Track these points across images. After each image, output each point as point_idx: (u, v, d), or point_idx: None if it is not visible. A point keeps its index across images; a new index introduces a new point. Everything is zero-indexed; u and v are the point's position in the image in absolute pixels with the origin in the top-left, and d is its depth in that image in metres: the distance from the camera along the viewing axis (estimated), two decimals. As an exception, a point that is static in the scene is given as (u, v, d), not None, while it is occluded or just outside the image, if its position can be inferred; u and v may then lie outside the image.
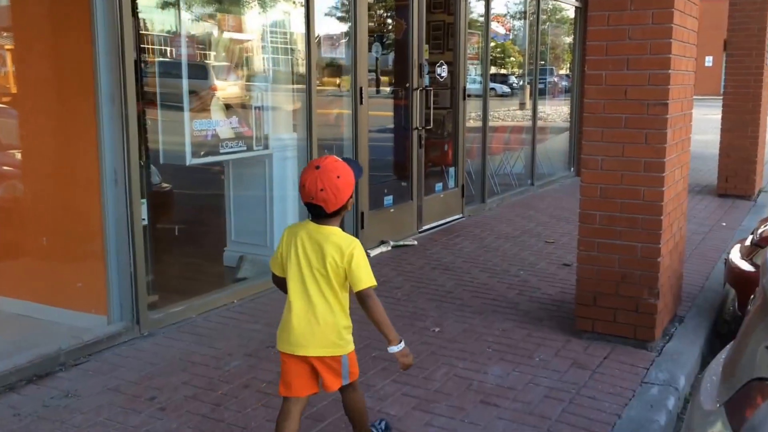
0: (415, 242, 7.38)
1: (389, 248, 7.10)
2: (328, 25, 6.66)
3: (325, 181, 2.82)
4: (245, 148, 5.55)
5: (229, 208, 6.18)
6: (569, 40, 13.23)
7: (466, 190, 8.82)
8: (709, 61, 46.35)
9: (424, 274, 6.28)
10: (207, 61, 5.38)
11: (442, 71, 8.22)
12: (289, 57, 6.19)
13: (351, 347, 3.02)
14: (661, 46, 4.39)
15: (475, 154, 9.52)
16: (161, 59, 5.01)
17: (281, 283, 3.05)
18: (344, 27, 6.66)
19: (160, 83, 5.04)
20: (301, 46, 6.04)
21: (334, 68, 6.98)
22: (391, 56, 8.34)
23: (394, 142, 7.98)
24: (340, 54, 6.85)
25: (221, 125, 5.31)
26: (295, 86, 6.17)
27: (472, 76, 9.14)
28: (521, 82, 12.29)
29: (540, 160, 11.27)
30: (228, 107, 5.41)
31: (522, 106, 13.22)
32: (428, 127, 7.78)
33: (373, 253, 6.89)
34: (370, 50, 6.95)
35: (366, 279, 2.90)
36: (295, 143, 6.13)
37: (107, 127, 4.46)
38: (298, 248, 2.91)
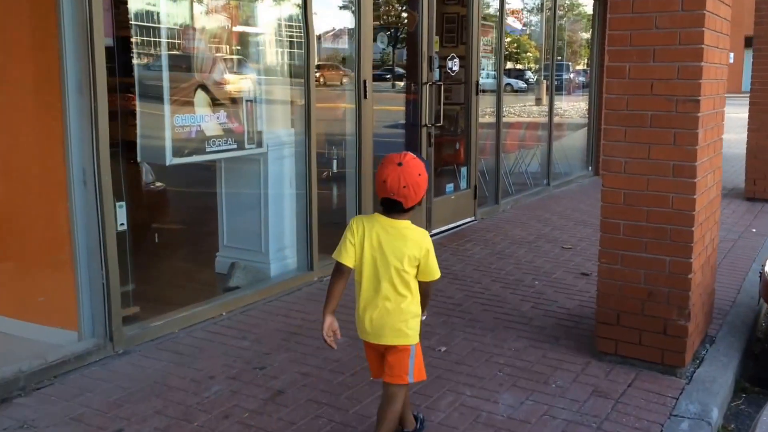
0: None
1: (394, 254, 6.63)
2: (329, 12, 6.19)
3: (408, 178, 2.89)
4: (235, 146, 5.11)
5: (222, 210, 5.74)
6: (586, 36, 12.72)
7: (479, 190, 8.34)
8: (731, 57, 45.54)
9: (431, 284, 5.81)
10: (192, 50, 4.93)
11: (454, 65, 7.74)
12: (286, 46, 5.74)
13: (418, 338, 3.08)
14: (692, 36, 3.90)
15: (488, 152, 9.03)
16: (139, 46, 4.56)
17: (343, 275, 3.04)
18: (347, 15, 6.19)
19: (138, 73, 4.60)
20: (298, 34, 5.58)
21: (335, 59, 6.52)
22: (402, 50, 7.85)
23: (402, 139, 7.51)
24: (343, 44, 6.39)
25: (207, 121, 4.86)
26: (293, 78, 5.72)
27: (486, 71, 8.66)
28: (537, 78, 11.85)
29: (556, 159, 10.76)
30: (215, 101, 4.96)
31: (538, 102, 12.88)
32: (438, 124, 7.30)
33: (377, 259, 6.43)
34: (375, 41, 6.47)
35: (435, 272, 3.04)
36: (293, 140, 5.68)
37: (74, 121, 4.03)
38: (372, 241, 2.96)
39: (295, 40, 5.66)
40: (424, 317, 3.14)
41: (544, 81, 13.90)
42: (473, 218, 8.19)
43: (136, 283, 4.97)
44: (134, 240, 5.46)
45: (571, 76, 12.83)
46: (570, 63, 12.55)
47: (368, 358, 3.18)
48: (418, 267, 2.98)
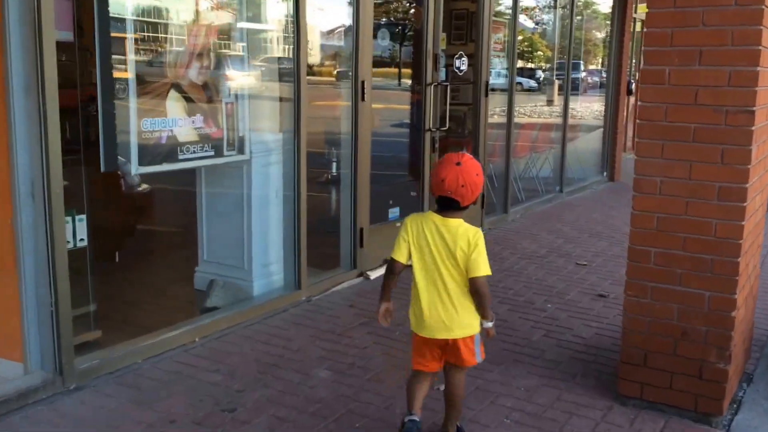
0: (425, 262, 6.33)
1: (393, 269, 6.06)
2: (325, 5, 5.60)
3: (466, 178, 2.97)
4: (213, 153, 4.54)
5: (202, 221, 5.18)
6: (600, 35, 12.14)
7: (487, 198, 7.75)
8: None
9: (432, 306, 5.23)
10: (165, 45, 4.36)
11: (461, 64, 7.15)
12: (274, 42, 5.17)
13: (479, 326, 3.14)
14: (748, 35, 3.31)
15: (497, 156, 8.45)
16: (100, 40, 3.99)
17: (395, 272, 3.17)
18: (344, 8, 5.61)
19: (101, 71, 4.03)
20: (289, 28, 5.01)
21: (330, 57, 5.96)
22: (406, 48, 7.26)
23: (403, 145, 6.93)
24: (339, 41, 5.82)
25: (180, 125, 4.29)
26: (282, 78, 5.14)
27: (497, 70, 8.07)
28: (550, 77, 11.29)
29: (569, 164, 10.16)
30: (190, 102, 4.38)
31: (550, 102, 12.38)
32: (444, 128, 6.71)
33: (374, 274, 5.85)
34: (375, 37, 5.89)
35: (483, 268, 3.03)
36: (280, 146, 5.11)
37: (21, 125, 3.47)
38: (428, 239, 3.06)
39: (285, 35, 5.08)
40: (489, 324, 3.16)
41: (557, 81, 13.40)
42: (480, 228, 7.60)
43: (101, 303, 4.42)
44: (103, 253, 4.93)
45: (583, 75, 12.31)
46: (580, 62, 11.99)
47: (422, 353, 3.19)
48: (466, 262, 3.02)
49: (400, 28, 7.01)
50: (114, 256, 5.08)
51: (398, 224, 6.39)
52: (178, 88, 4.34)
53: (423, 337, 3.15)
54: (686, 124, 3.48)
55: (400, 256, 3.13)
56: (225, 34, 4.77)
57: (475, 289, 3.06)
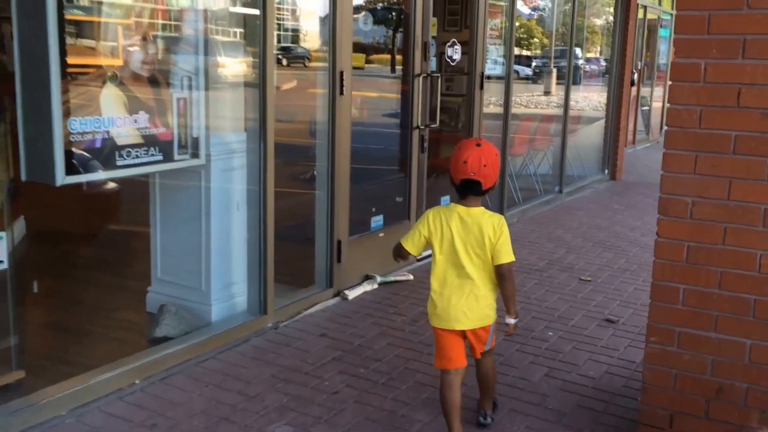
0: (411, 276, 5.66)
1: (375, 286, 5.39)
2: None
3: (488, 158, 3.01)
4: (161, 158, 3.85)
5: (155, 234, 4.49)
6: (600, 21, 11.45)
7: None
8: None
9: (417, 335, 4.55)
10: (99, 28, 3.66)
11: (454, 53, 6.45)
12: (234, 24, 4.48)
13: (494, 317, 3.17)
14: (808, 23, 2.64)
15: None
16: (21, 19, 3.30)
17: (401, 258, 3.25)
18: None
19: (20, 57, 3.35)
20: (252, 9, 4.32)
21: (303, 43, 5.26)
22: (393, 35, 6.57)
23: (389, 144, 6.26)
24: (313, 24, 5.12)
25: (119, 124, 3.60)
26: (247, 67, 4.45)
27: (493, 58, 7.36)
28: (547, 65, 10.63)
29: (569, 160, 9.47)
30: (132, 97, 3.70)
31: (547, 93, 11.79)
32: (433, 125, 6.03)
33: (353, 294, 5.18)
34: (357, 22, 5.20)
35: (507, 254, 3.04)
36: (244, 148, 4.42)
37: None
38: (452, 231, 3.04)
39: (249, 15, 4.39)
40: (512, 321, 3.17)
41: (554, 70, 12.80)
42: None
43: (28, 336, 3.75)
44: (33, 274, 4.26)
45: (580, 62, 11.72)
46: (577, 48, 11.36)
47: (448, 347, 3.15)
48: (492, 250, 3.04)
49: (385, 12, 6.31)
50: (46, 276, 4.40)
51: (381, 234, 5.76)
52: (116, 80, 3.65)
53: (443, 330, 3.14)
54: (726, 132, 2.82)
55: (412, 248, 3.16)
56: (176, 15, 4.07)
57: (501, 274, 3.07)
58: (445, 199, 6.59)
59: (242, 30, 4.50)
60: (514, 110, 7.91)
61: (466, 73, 6.70)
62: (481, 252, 3.04)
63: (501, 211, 7.60)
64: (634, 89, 11.84)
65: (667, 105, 2.99)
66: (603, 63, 12.65)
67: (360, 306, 5.00)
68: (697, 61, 2.81)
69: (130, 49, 3.73)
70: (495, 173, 3.07)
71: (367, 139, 5.95)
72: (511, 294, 3.12)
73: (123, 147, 3.64)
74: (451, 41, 6.39)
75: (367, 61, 5.96)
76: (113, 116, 3.59)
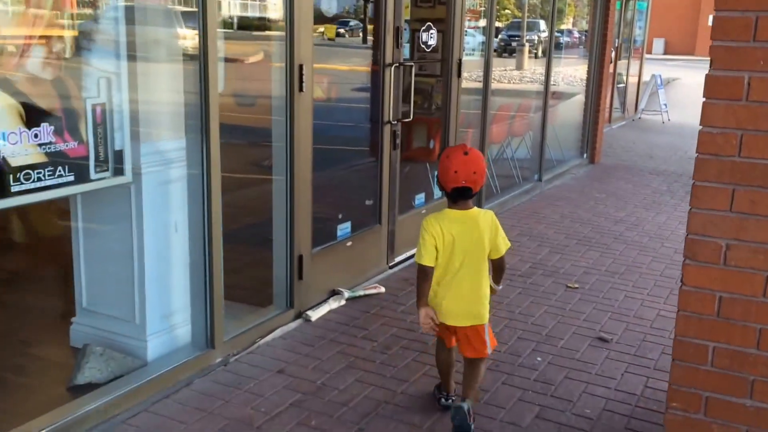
0: (383, 289, 5.10)
1: (343, 302, 4.82)
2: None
3: (477, 165, 3.14)
4: (72, 179, 3.21)
5: (79, 259, 3.86)
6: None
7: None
8: (711, 20, 43.73)
9: (390, 366, 4.00)
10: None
11: (429, 38, 5.84)
12: (163, 8, 3.83)
13: (488, 316, 3.31)
14: None
15: (470, 143, 7.22)
16: None
17: (428, 277, 3.21)
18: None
19: None
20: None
21: (254, 28, 4.62)
22: (364, 19, 5.95)
23: (357, 143, 5.66)
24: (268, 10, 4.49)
25: (12, 141, 2.95)
26: (183, 59, 3.81)
27: (471, 33, 6.76)
28: (519, 39, 10.18)
29: (547, 144, 8.91)
30: (32, 108, 3.05)
31: (519, 68, 11.38)
32: (407, 120, 5.44)
33: (317, 314, 4.61)
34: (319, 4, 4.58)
35: (504, 244, 3.28)
36: (183, 158, 3.80)
37: None
38: (453, 236, 3.14)
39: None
40: (500, 287, 3.40)
41: (527, 44, 12.32)
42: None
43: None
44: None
45: (543, 35, 11.32)
46: (539, 21, 10.97)
47: (444, 335, 3.38)
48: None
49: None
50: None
51: (349, 243, 5.19)
52: (9, 86, 3.00)
53: (447, 324, 3.30)
54: (772, 164, 2.27)
55: (431, 261, 3.18)
56: (90, 2, 3.42)
57: (499, 265, 3.32)
58: (420, 197, 6.03)
59: (176, 17, 3.84)
60: (494, 95, 7.34)
61: (441, 60, 6.10)
62: (480, 252, 3.18)
63: (479, 205, 7.04)
64: (611, 66, 11.33)
65: (700, 128, 2.40)
66: (577, 35, 12.15)
67: (325, 329, 4.44)
68: (739, 75, 2.26)
69: (26, 46, 3.07)
70: (483, 177, 3.18)
71: (332, 136, 5.35)
72: (502, 275, 3.41)
73: (19, 169, 2.99)
74: (426, 25, 5.77)
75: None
76: (4, 131, 2.93)
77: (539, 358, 4.17)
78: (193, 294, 3.92)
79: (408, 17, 5.44)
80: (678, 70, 28.20)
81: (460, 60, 6.06)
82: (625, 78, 15.10)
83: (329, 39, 7.07)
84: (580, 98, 10.26)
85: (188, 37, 3.76)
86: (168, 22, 3.77)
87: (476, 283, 3.23)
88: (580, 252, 6.19)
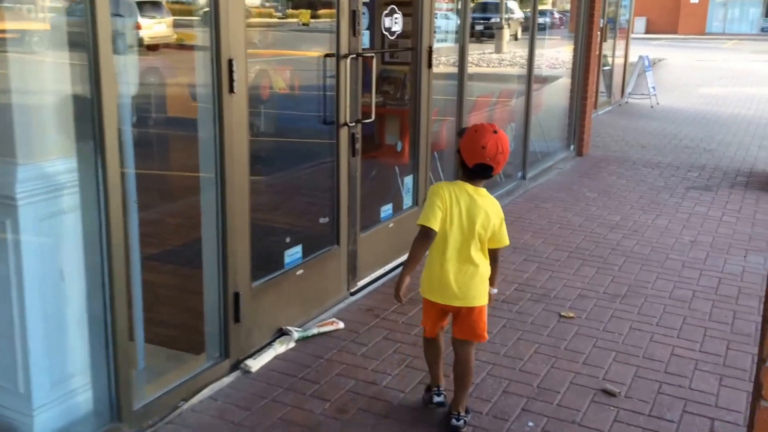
0: (341, 324, 4.29)
1: (292, 345, 4.01)
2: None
3: (504, 145, 3.04)
4: None
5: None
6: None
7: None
8: (696, -3, 43.10)
9: (344, 439, 3.20)
10: None
11: (394, 23, 4.99)
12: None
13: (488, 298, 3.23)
14: None
15: (444, 141, 6.41)
16: None
17: (429, 240, 3.06)
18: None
19: None
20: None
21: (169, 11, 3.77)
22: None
23: (308, 148, 4.82)
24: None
25: None
26: (69, 53, 2.94)
27: (444, 15, 5.92)
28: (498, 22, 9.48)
29: (531, 136, 8.10)
30: None
31: (498, 50, 10.72)
32: (368, 121, 4.60)
33: (259, 363, 3.79)
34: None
35: (506, 238, 3.21)
36: (75, 180, 2.95)
37: None
38: (461, 207, 3.06)
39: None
40: (495, 291, 3.33)
41: (507, 25, 11.73)
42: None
43: None
44: None
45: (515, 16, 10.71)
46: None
47: (431, 317, 3.30)
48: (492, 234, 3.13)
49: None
50: None
51: (300, 272, 4.36)
52: None
53: (434, 302, 3.21)
54: None
55: (436, 224, 3.03)
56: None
57: (495, 257, 3.25)
58: (387, 208, 5.20)
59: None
60: (472, 82, 6.51)
61: (410, 49, 5.25)
62: (484, 233, 3.09)
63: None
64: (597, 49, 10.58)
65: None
66: (557, 15, 11.39)
67: (267, 384, 3.62)
68: None
69: None
70: (505, 161, 3.10)
71: (275, 144, 4.51)
72: (497, 272, 3.30)
73: None
74: (389, 8, 4.90)
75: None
76: None
77: (531, 423, 3.38)
78: (93, 353, 3.09)
79: (368, -1, 4.58)
80: (662, 50, 27.47)
81: (430, 48, 5.21)
82: (610, 60, 14.31)
83: (304, 24, 6.23)
84: (564, 82, 9.46)
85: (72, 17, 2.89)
86: None
87: (482, 262, 3.14)
88: (573, 268, 5.39)
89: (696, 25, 42.46)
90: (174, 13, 6.31)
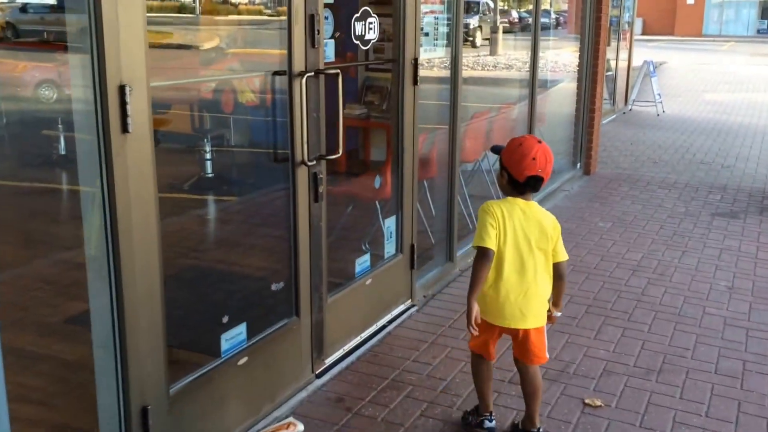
0: (300, 426, 3.25)
1: (229, 465, 2.96)
2: None
3: (550, 154, 2.99)
4: None
5: None
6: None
7: (421, 236, 4.72)
8: (692, -1, 42.23)
9: None
10: None
11: (367, 29, 3.93)
12: None
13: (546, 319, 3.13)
14: None
15: (434, 168, 5.38)
16: None
17: (489, 260, 2.93)
18: None
19: None
20: None
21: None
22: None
23: (252, 198, 3.80)
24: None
25: None
26: None
27: (434, 29, 4.89)
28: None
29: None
30: None
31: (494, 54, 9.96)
32: (333, 157, 3.55)
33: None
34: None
35: (564, 252, 3.09)
36: None
37: None
38: (515, 225, 2.96)
39: None
40: (558, 314, 3.16)
41: (499, 27, 11.04)
42: (409, 304, 4.55)
43: None
44: None
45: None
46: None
47: (486, 339, 3.12)
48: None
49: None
50: None
51: (244, 360, 3.29)
52: None
53: (492, 324, 3.06)
54: None
55: (492, 243, 2.92)
56: None
57: (559, 273, 3.09)
58: (363, 259, 4.16)
59: None
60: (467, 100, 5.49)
61: (390, 61, 4.22)
62: (543, 247, 2.99)
63: (449, 253, 5.25)
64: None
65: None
66: (554, 16, 10.48)
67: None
68: None
69: None
70: (551, 170, 3.00)
71: (198, 203, 3.49)
72: (563, 291, 3.14)
73: None
74: (363, 10, 3.86)
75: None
76: None
77: None
78: None
79: (332, -1, 3.54)
80: (660, 52, 26.50)
81: (416, 60, 4.18)
82: (613, 65, 13.32)
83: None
84: (565, 87, 8.45)
85: None
86: None
87: (543, 280, 3.02)
88: (593, 330, 4.38)
89: (693, 26, 41.61)
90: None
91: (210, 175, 4.14)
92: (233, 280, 3.63)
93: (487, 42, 11.50)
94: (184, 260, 3.23)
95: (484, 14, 14.43)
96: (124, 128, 2.38)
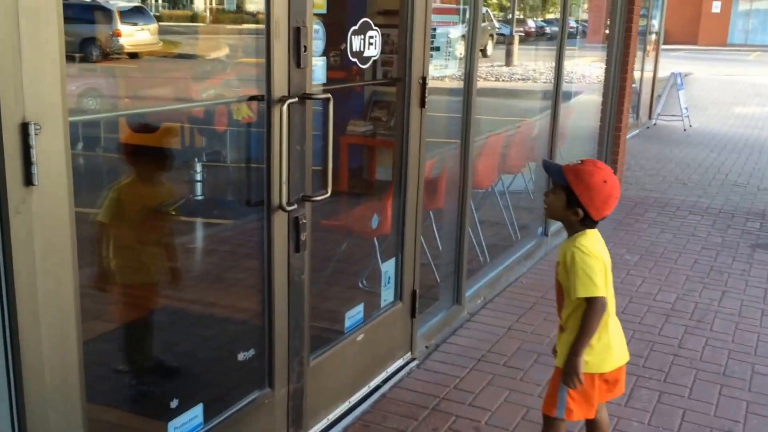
0: None
1: None
2: None
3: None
4: None
5: None
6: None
7: (423, 278, 4.13)
8: (716, 6, 41.31)
9: None
10: None
11: (366, 45, 3.33)
12: None
13: None
14: None
15: (441, 197, 4.80)
16: None
17: (606, 308, 2.67)
18: None
19: None
20: None
21: None
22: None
23: (221, 251, 3.24)
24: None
25: None
26: None
27: (445, 41, 4.29)
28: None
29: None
30: None
31: (508, 62, 10.02)
32: (320, 197, 2.96)
33: None
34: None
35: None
36: None
37: None
38: (605, 260, 2.76)
39: None
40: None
41: (516, 34, 10.66)
42: (408, 358, 3.96)
43: None
44: None
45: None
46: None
47: (594, 395, 2.76)
48: None
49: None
50: None
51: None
52: None
53: (602, 373, 2.75)
54: None
55: (604, 290, 2.65)
56: None
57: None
58: (355, 311, 3.57)
59: None
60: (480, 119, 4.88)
61: (395, 80, 3.64)
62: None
63: (456, 297, 4.66)
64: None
65: None
66: (573, 25, 9.93)
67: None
68: None
69: None
70: None
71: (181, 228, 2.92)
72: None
73: None
74: (362, 22, 3.26)
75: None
76: None
77: None
78: None
79: (324, 9, 2.95)
80: (683, 62, 25.74)
81: (423, 80, 3.58)
82: (638, 76, 12.66)
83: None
84: (585, 100, 7.83)
85: None
86: None
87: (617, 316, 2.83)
88: (626, 392, 3.76)
89: (718, 35, 40.73)
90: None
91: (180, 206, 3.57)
92: (194, 348, 3.06)
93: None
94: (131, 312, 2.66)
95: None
96: (28, 180, 1.81)
